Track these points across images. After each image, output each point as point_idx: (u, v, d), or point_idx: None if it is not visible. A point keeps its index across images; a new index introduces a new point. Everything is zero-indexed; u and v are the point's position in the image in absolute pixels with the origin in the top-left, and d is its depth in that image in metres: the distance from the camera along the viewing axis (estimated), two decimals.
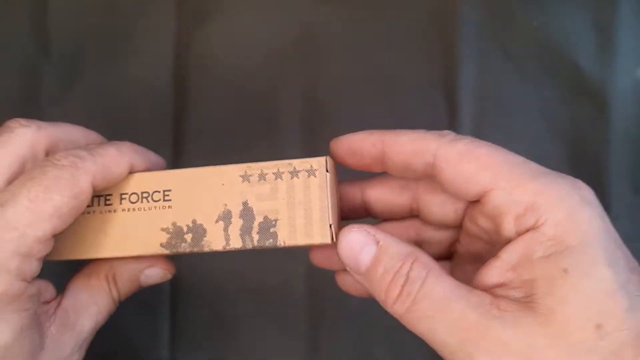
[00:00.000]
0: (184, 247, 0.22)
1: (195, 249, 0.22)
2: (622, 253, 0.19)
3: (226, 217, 0.22)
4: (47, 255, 0.21)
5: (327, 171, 0.22)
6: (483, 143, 0.21)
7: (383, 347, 0.38)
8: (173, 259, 0.27)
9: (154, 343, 0.38)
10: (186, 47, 0.39)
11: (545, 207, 0.19)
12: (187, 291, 0.38)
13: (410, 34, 0.39)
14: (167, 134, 0.38)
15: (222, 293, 0.38)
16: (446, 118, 0.38)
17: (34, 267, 0.20)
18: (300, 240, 0.22)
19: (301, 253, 0.38)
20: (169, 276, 0.26)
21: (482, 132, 0.39)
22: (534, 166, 0.21)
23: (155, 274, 0.25)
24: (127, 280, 0.25)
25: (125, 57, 0.38)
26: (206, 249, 0.22)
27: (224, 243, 0.22)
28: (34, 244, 0.20)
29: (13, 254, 0.19)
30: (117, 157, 0.23)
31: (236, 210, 0.22)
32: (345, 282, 0.26)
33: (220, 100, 0.39)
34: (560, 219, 0.19)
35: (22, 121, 0.23)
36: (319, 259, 0.26)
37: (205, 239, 0.22)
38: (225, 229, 0.22)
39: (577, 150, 0.39)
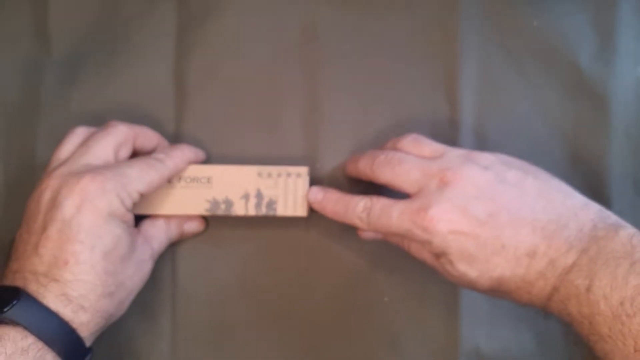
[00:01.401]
0: (219, 212, 0.35)
1: (226, 213, 0.35)
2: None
3: (246, 196, 0.35)
4: (135, 209, 0.33)
5: (308, 175, 0.36)
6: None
7: (385, 349, 0.38)
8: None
9: (155, 344, 0.38)
10: (186, 47, 0.39)
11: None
12: (188, 293, 0.38)
13: (411, 34, 0.39)
14: (167, 133, 0.38)
15: (223, 295, 0.38)
16: (447, 118, 0.38)
17: (130, 204, 0.32)
18: (289, 212, 0.36)
19: (299, 258, 0.38)
20: (201, 229, 0.38)
21: (482, 132, 0.39)
22: None
23: (193, 226, 0.37)
24: (175, 227, 0.36)
25: (126, 57, 0.38)
26: (232, 214, 0.35)
27: (244, 212, 0.35)
28: (134, 191, 0.32)
29: (122, 190, 0.31)
30: (182, 157, 0.35)
31: (253, 193, 0.35)
32: (365, 235, 0.36)
33: (221, 99, 0.39)
34: None
35: (118, 122, 0.34)
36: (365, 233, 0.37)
37: (232, 208, 0.35)
38: (245, 204, 0.35)
39: (577, 150, 0.39)
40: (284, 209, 0.35)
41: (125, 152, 0.34)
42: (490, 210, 0.29)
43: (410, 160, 0.32)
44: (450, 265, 0.30)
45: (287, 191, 0.35)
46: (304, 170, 0.36)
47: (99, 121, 0.38)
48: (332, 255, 0.38)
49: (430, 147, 0.33)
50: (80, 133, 0.34)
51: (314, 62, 0.39)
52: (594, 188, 0.39)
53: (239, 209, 0.35)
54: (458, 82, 0.39)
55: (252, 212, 0.35)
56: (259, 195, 0.35)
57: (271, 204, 0.35)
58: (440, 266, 0.31)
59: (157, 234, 0.35)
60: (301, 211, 0.35)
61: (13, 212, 0.38)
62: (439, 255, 0.30)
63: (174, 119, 0.38)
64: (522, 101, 0.39)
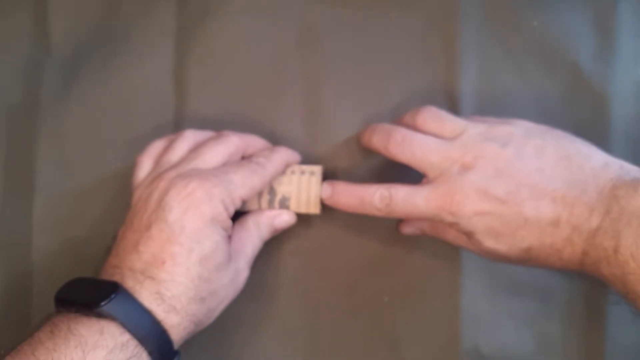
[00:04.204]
0: None
1: (239, 209, 0.33)
2: None
3: (259, 193, 0.35)
4: None
5: (321, 174, 0.36)
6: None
7: (385, 349, 0.38)
8: None
9: None
10: (186, 47, 0.39)
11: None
12: None
13: (411, 34, 0.39)
14: (167, 133, 0.38)
15: None
16: None
17: (233, 210, 0.32)
18: (302, 209, 0.35)
19: (299, 257, 0.38)
20: (293, 222, 0.36)
21: None
22: None
23: (284, 220, 0.36)
24: (265, 225, 0.35)
25: (126, 56, 0.38)
26: (247, 209, 0.35)
27: (257, 207, 0.35)
28: (237, 198, 0.32)
29: (227, 196, 0.31)
30: (281, 161, 0.35)
31: (266, 189, 0.35)
32: (406, 230, 0.37)
33: (220, 99, 0.39)
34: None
35: (231, 132, 0.35)
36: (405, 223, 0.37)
37: (246, 204, 0.35)
38: (259, 200, 0.36)
39: None
40: (297, 206, 0.35)
41: (234, 161, 0.35)
42: (510, 189, 0.30)
43: (430, 144, 0.32)
44: (480, 244, 0.31)
45: (301, 188, 0.36)
46: (317, 168, 0.36)
47: (98, 121, 0.38)
48: (331, 255, 0.38)
49: (451, 123, 0.33)
50: (190, 137, 0.35)
51: (314, 62, 0.39)
52: None
53: (252, 205, 0.35)
54: (458, 82, 0.39)
55: (265, 208, 0.35)
56: (272, 192, 0.35)
57: (284, 200, 0.35)
58: (473, 245, 0.32)
59: (250, 238, 0.35)
60: (314, 209, 0.36)
61: (12, 212, 0.38)
62: (468, 235, 0.32)
63: (174, 119, 0.38)
64: (522, 101, 0.39)
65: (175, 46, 0.39)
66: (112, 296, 0.27)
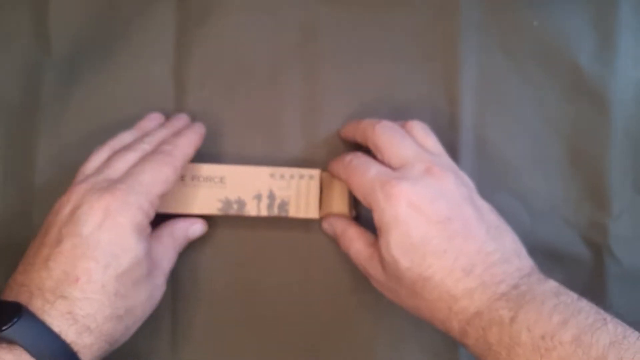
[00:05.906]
0: (232, 212, 0.35)
1: (238, 213, 0.35)
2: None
3: (259, 197, 0.35)
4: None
5: (320, 178, 0.36)
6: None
7: (385, 349, 0.38)
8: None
9: (155, 346, 0.38)
10: (186, 47, 0.39)
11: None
12: (188, 294, 0.38)
13: (411, 34, 0.39)
14: None
15: (223, 295, 0.38)
16: (447, 118, 0.38)
17: (153, 212, 0.31)
18: (301, 214, 0.35)
19: (299, 258, 0.38)
20: (205, 230, 0.37)
21: (482, 131, 0.39)
22: None
23: (197, 230, 0.36)
24: (179, 236, 0.35)
25: (126, 56, 0.38)
26: (245, 214, 0.35)
27: (256, 212, 0.35)
28: (154, 197, 0.31)
29: (145, 201, 0.30)
30: (188, 143, 0.34)
31: (265, 194, 0.36)
32: (324, 224, 0.37)
33: (220, 99, 0.39)
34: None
35: (141, 141, 0.34)
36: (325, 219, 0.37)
37: (245, 208, 0.35)
38: (258, 204, 0.35)
39: (577, 150, 0.39)
40: (296, 211, 0.35)
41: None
42: (450, 215, 0.30)
43: (411, 141, 0.33)
44: (388, 248, 0.30)
45: (300, 193, 0.35)
46: (316, 172, 0.36)
47: (98, 121, 0.38)
48: (332, 255, 0.38)
49: (433, 142, 0.34)
50: (104, 151, 0.34)
51: (313, 62, 0.39)
52: (594, 188, 0.39)
53: (251, 210, 0.35)
54: (458, 82, 0.39)
55: (264, 212, 0.35)
56: (271, 196, 0.35)
57: (283, 205, 0.35)
58: (376, 253, 0.32)
59: (166, 252, 0.34)
60: (313, 213, 0.36)
61: (12, 212, 0.38)
62: (383, 230, 0.31)
63: None
64: (522, 101, 0.39)
65: (175, 46, 0.39)
66: (15, 320, 0.26)
